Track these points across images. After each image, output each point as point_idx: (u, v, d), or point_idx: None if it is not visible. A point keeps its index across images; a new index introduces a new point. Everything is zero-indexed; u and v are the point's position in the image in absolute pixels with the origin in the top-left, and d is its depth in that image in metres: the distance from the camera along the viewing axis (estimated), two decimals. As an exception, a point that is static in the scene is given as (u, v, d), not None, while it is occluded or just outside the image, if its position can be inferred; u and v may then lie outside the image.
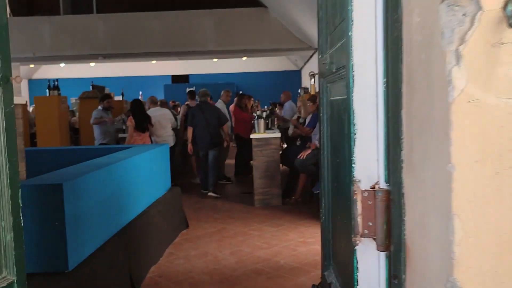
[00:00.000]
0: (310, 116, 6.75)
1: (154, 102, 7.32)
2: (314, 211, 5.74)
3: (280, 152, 6.48)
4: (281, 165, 6.54)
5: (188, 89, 11.29)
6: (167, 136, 7.29)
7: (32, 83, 20.63)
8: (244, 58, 15.64)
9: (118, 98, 10.88)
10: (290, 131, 6.91)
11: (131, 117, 6.79)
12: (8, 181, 1.32)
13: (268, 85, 19.68)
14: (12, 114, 1.32)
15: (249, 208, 6.07)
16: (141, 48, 12.64)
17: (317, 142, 5.62)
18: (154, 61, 16.10)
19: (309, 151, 5.67)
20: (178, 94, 17.38)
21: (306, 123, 6.63)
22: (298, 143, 6.80)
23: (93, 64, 17.33)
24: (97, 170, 2.90)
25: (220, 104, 8.23)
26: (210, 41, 12.67)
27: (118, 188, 3.30)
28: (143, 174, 3.98)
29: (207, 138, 6.97)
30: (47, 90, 7.42)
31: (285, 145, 8.85)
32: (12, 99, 1.33)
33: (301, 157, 5.67)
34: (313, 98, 6.47)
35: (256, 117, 6.32)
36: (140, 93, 12.92)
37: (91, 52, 12.46)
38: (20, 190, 1.36)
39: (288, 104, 8.38)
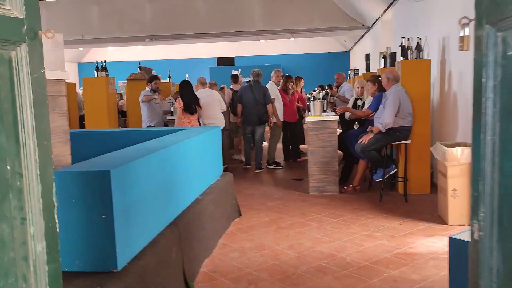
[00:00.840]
0: (369, 97, 6.22)
1: (202, 83, 7.01)
2: (375, 200, 5.27)
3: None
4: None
5: (233, 72, 10.97)
6: (216, 118, 6.98)
7: (82, 66, 21.02)
8: (292, 39, 15.07)
9: (165, 80, 10.68)
10: (347, 114, 6.40)
11: (179, 98, 6.51)
12: (38, 172, 0.97)
13: (315, 67, 19.02)
14: (42, 82, 0.96)
15: (303, 196, 5.66)
16: (187, 29, 12.38)
17: (380, 126, 5.10)
18: (200, 43, 15.81)
19: (371, 135, 5.16)
20: (223, 76, 17.12)
21: (367, 105, 6.10)
22: (356, 126, 6.28)
23: (141, 47, 17.31)
24: (147, 155, 2.57)
25: (270, 85, 7.84)
26: (258, 21, 12.21)
27: (170, 174, 2.98)
28: (196, 159, 3.65)
29: (254, 115, 7.38)
30: (95, 71, 7.26)
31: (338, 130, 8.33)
32: (41, 61, 0.97)
33: (363, 142, 5.18)
34: (374, 79, 5.92)
35: (312, 99, 5.85)
36: (187, 75, 12.70)
37: (138, 34, 12.33)
38: (54, 184, 1.01)
39: (346, 85, 7.83)
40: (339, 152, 6.18)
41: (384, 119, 5.05)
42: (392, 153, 5.84)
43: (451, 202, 4.20)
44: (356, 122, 6.32)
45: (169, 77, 11.24)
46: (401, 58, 5.57)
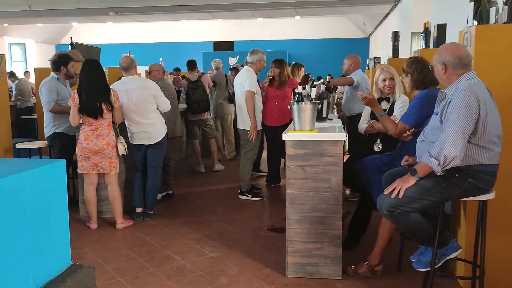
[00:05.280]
0: (402, 97, 3.51)
1: (125, 68, 4.26)
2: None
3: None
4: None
5: (214, 61, 8.22)
6: (151, 124, 4.30)
7: (61, 49, 18.50)
8: (297, 17, 12.21)
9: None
10: (363, 126, 3.68)
11: (75, 91, 3.87)
12: None
13: (327, 55, 16.17)
14: None
15: (275, 283, 2.98)
16: (163, 0, 9.67)
17: (434, 162, 2.34)
18: (183, 21, 13.11)
19: (412, 181, 2.43)
20: (220, 63, 14.56)
21: (398, 112, 3.39)
22: (377, 148, 3.56)
23: (112, 24, 14.64)
24: None
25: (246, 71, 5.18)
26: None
27: None
28: None
29: None
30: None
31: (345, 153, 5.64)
32: None
33: (394, 195, 2.45)
34: (411, 62, 3.13)
35: (295, 98, 3.14)
36: (161, 59, 10.06)
37: (99, 5, 9.68)
38: None
39: (361, 75, 5.00)
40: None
41: (442, 147, 2.31)
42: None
43: None
44: (379, 140, 3.60)
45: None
46: (474, 23, 2.80)
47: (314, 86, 3.71)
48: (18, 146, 4.66)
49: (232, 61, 16.29)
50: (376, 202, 2.81)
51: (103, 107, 3.80)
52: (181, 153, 6.49)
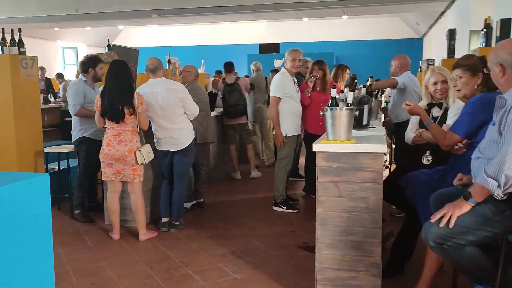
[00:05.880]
0: (456, 107, 3.03)
1: (152, 70, 4.00)
2: None
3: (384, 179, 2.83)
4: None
5: (253, 64, 7.86)
6: (178, 129, 4.04)
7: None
8: (345, 17, 11.68)
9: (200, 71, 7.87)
10: (410, 135, 3.22)
11: (98, 94, 3.68)
12: None
13: (377, 57, 15.43)
14: None
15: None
16: (203, 2, 9.51)
17: (492, 183, 1.89)
18: (227, 23, 12.94)
19: (466, 207, 1.98)
20: (265, 65, 14.23)
21: (451, 120, 2.91)
22: (426, 161, 3.10)
23: (157, 27, 14.67)
24: None
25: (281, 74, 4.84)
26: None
27: None
28: None
29: None
30: (0, 47, 4.58)
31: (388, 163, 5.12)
32: None
33: (442, 223, 2.01)
34: (472, 62, 2.68)
35: (329, 104, 2.74)
36: (202, 61, 9.90)
37: (142, 7, 9.67)
38: None
39: (408, 77, 4.49)
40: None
41: (502, 164, 1.84)
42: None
43: None
44: (428, 152, 3.13)
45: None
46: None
47: (355, 90, 3.31)
48: (46, 150, 4.55)
49: (277, 63, 15.96)
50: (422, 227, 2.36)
51: (125, 111, 3.58)
52: (217, 158, 6.23)
